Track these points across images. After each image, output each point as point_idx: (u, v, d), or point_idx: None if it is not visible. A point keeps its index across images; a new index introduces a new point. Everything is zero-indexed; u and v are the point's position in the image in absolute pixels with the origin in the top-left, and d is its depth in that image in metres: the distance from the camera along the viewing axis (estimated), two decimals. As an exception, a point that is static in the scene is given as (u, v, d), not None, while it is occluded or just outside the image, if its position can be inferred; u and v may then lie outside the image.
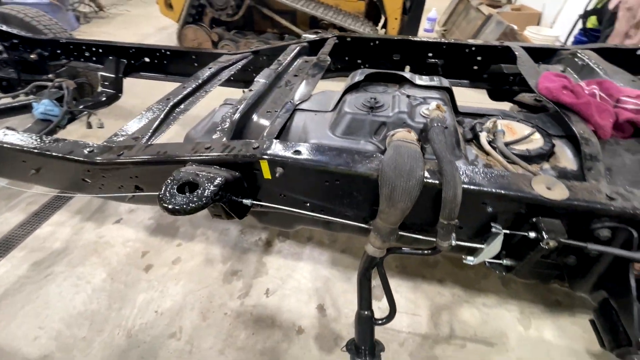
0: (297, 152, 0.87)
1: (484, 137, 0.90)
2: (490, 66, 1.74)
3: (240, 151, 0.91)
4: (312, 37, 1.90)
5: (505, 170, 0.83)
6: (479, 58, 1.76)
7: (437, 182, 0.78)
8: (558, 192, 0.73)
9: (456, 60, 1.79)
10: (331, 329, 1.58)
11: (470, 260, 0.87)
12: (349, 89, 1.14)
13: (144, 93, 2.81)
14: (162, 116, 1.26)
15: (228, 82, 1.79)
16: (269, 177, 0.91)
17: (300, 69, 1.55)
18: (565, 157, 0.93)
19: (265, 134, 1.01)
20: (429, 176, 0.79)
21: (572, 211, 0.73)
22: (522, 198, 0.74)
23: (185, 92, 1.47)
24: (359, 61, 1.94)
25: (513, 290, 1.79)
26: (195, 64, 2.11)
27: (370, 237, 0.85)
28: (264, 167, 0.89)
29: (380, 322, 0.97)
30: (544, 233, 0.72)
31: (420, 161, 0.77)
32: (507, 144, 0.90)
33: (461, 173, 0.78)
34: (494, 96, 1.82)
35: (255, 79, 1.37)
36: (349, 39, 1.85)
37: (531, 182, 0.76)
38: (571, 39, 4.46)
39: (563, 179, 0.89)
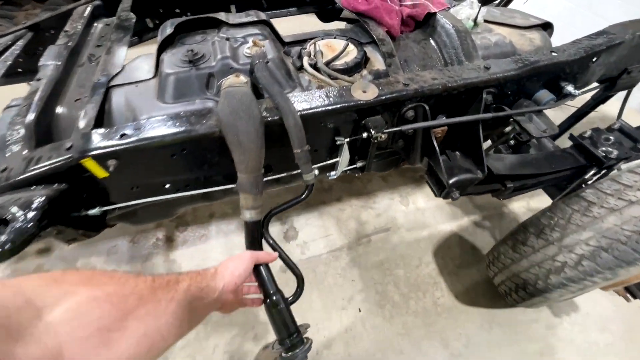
0: (124, 135, 0.77)
1: (305, 62, 0.96)
2: (307, -12, 1.76)
3: (50, 159, 0.74)
4: (102, -9, 1.52)
5: (330, 87, 0.92)
6: (294, -19, 1.75)
7: (276, 117, 0.81)
8: (371, 93, 0.86)
9: (276, -13, 1.74)
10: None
11: (332, 174, 1.00)
12: (163, 47, 1.00)
13: None
14: None
15: (7, 79, 1.34)
16: (105, 174, 0.79)
17: (101, 36, 1.27)
18: (377, 60, 1.09)
19: (77, 127, 0.83)
20: (267, 114, 0.81)
21: (385, 105, 0.89)
22: (346, 107, 0.85)
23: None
24: (177, 10, 1.69)
25: (391, 182, 2.19)
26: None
27: (241, 202, 0.79)
28: (91, 166, 0.76)
29: (292, 299, 0.80)
30: (371, 130, 0.86)
31: (253, 100, 0.77)
32: (327, 63, 0.98)
33: (293, 101, 0.83)
34: (323, 18, 1.89)
35: (40, 63, 1.06)
36: (151, -14, 1.56)
37: (351, 90, 0.87)
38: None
39: (378, 79, 1.06)
